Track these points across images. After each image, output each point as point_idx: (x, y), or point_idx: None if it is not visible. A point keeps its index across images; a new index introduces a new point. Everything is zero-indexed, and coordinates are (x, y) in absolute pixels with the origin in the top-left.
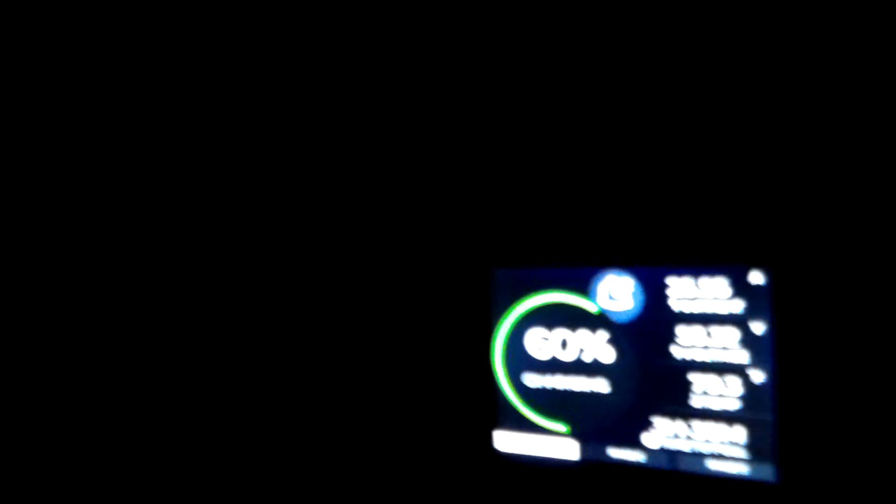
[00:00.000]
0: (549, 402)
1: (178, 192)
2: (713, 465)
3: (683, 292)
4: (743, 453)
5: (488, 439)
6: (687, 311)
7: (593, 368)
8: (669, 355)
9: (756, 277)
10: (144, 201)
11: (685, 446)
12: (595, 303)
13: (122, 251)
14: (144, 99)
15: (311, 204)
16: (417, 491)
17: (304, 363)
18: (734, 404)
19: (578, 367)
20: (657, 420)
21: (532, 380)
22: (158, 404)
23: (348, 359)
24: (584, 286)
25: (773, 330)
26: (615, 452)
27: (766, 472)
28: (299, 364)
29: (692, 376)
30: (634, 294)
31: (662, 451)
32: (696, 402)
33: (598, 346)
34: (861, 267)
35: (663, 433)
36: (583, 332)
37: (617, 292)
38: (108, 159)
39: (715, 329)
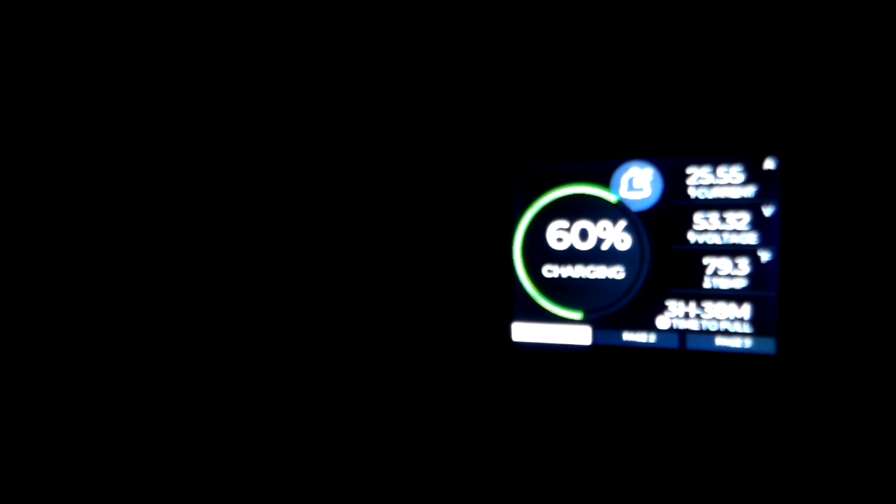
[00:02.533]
0: (566, 291)
1: (179, 192)
2: (719, 342)
3: (701, 180)
4: (747, 328)
5: (506, 331)
6: (703, 197)
7: (610, 256)
8: (685, 240)
9: (769, 164)
10: (144, 201)
11: (694, 325)
12: (615, 193)
13: (123, 251)
14: (144, 99)
15: (340, 117)
16: (439, 382)
17: (326, 258)
18: (742, 283)
19: (596, 256)
20: (669, 302)
21: (550, 270)
22: (165, 402)
23: (372, 257)
24: (605, 178)
25: (780, 210)
26: (627, 336)
27: (767, 346)
28: (324, 255)
29: (705, 259)
30: (654, 183)
31: (672, 331)
32: (707, 282)
33: (616, 235)
34: (862, 154)
35: (674, 314)
36: (602, 222)
37: (637, 182)
38: (108, 159)
39: (729, 214)
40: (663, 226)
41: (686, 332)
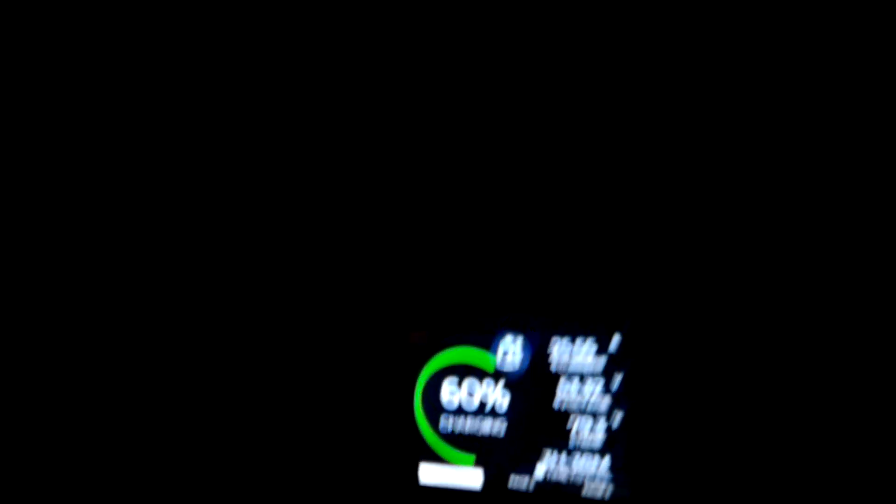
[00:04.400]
0: (460, 441)
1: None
2: (586, 490)
3: (562, 351)
4: (606, 478)
5: (414, 472)
6: (564, 365)
7: (494, 413)
8: (551, 402)
9: (616, 340)
10: (144, 201)
11: (563, 475)
12: (495, 357)
13: (122, 251)
14: (144, 99)
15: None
16: None
17: (236, 401)
18: (600, 440)
19: (482, 412)
20: (544, 454)
21: (446, 421)
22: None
23: (286, 408)
24: (487, 343)
25: (625, 381)
26: (512, 481)
27: (623, 492)
28: (235, 396)
29: (569, 419)
30: (525, 352)
31: (547, 479)
32: (572, 439)
33: (496, 395)
34: (698, 333)
35: (548, 465)
36: (486, 382)
37: (511, 351)
38: (108, 159)
39: (586, 381)
40: (534, 390)
41: (558, 481)
